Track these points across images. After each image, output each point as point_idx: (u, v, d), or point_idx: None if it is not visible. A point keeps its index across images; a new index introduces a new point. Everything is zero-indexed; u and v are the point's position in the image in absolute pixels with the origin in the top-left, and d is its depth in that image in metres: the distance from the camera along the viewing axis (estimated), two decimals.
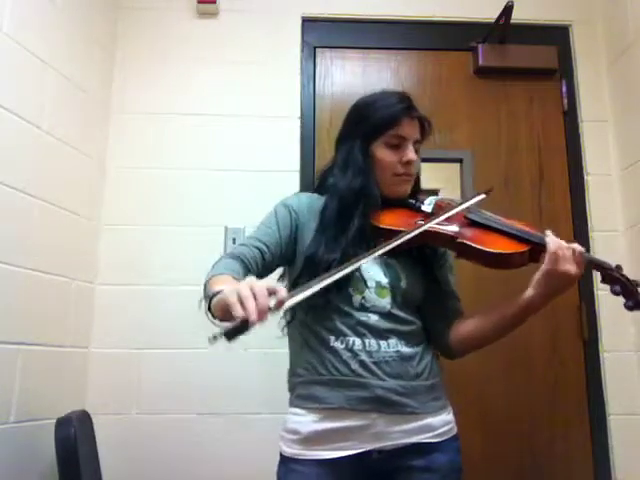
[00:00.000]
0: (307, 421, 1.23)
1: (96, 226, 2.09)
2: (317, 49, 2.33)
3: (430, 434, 1.23)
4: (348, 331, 1.23)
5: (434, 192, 1.41)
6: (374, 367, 1.21)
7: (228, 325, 0.89)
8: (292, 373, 1.33)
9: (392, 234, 1.20)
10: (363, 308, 1.25)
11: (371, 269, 1.27)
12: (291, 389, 1.32)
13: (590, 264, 1.23)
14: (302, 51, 2.30)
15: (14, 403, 1.57)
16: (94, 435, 1.79)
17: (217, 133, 2.21)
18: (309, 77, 2.29)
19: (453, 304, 1.38)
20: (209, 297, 1.05)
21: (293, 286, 1.25)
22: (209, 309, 1.07)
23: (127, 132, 2.19)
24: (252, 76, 2.26)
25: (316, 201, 1.35)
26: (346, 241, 1.24)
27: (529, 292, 1.19)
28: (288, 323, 1.13)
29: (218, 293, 1.01)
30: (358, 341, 1.23)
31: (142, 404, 1.99)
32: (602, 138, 2.25)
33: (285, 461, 1.25)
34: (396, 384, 1.21)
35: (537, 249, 1.21)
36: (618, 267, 1.23)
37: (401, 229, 1.23)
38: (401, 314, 1.27)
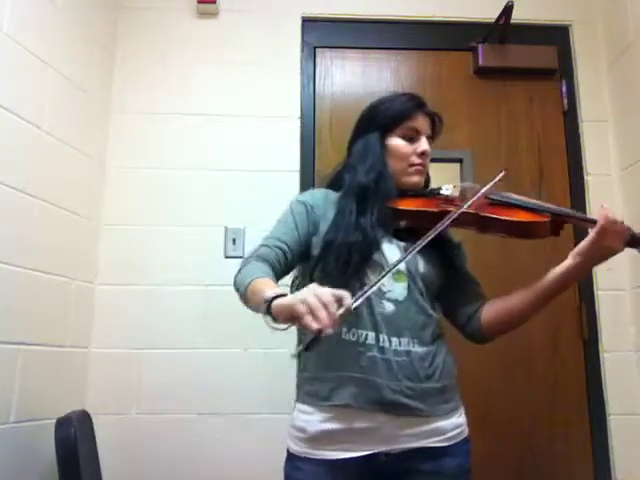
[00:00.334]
0: (314, 420, 1.21)
1: (96, 226, 2.09)
2: (317, 49, 2.33)
3: (440, 438, 1.21)
4: (362, 322, 1.21)
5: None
6: (384, 365, 1.19)
7: (306, 340, 0.95)
8: (301, 369, 1.32)
9: (413, 215, 1.27)
10: (380, 293, 1.22)
11: (389, 252, 1.26)
12: (299, 384, 1.31)
13: (633, 241, 1.23)
14: (302, 51, 2.30)
15: (14, 403, 1.57)
16: (94, 435, 1.80)
17: (217, 133, 2.21)
18: (309, 77, 2.29)
19: (477, 289, 1.38)
20: (267, 301, 1.04)
21: (311, 278, 1.25)
22: (268, 313, 1.05)
23: (127, 132, 2.19)
24: (252, 76, 2.26)
25: (331, 194, 1.36)
26: (366, 224, 1.24)
27: (569, 262, 1.21)
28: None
29: (275, 298, 1.03)
30: (371, 335, 1.21)
31: (142, 404, 1.99)
32: (602, 138, 2.26)
33: (292, 458, 1.24)
34: (405, 386, 1.19)
35: (558, 221, 1.26)
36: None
37: (422, 209, 1.28)
38: (419, 301, 1.25)
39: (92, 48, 2.09)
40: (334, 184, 1.41)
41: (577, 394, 2.08)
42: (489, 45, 2.30)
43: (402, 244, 1.28)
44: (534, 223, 1.26)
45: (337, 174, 1.43)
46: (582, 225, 1.30)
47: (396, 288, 1.24)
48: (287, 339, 2.02)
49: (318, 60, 2.32)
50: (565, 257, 1.23)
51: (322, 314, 0.92)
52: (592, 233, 1.18)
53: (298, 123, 2.23)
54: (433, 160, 2.32)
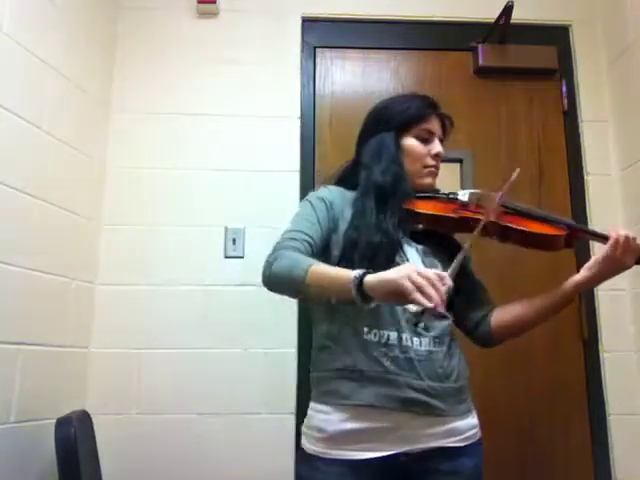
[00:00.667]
0: (334, 419, 1.20)
1: (96, 226, 2.09)
2: (317, 49, 2.33)
3: (456, 438, 1.23)
4: (383, 322, 1.21)
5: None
6: (406, 364, 1.20)
7: (417, 318, 1.07)
8: (316, 367, 1.30)
9: (433, 219, 1.30)
10: None
11: (410, 256, 1.28)
12: (315, 383, 1.29)
13: None
14: (302, 51, 2.30)
15: (14, 403, 1.57)
16: (94, 435, 1.79)
17: (217, 133, 2.21)
18: (309, 77, 2.29)
19: (485, 294, 1.42)
20: (359, 278, 1.05)
21: None
22: (360, 291, 1.05)
23: (127, 132, 2.19)
24: (252, 76, 2.26)
25: (347, 193, 1.36)
26: (387, 225, 1.25)
27: (583, 274, 1.28)
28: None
29: (365, 274, 1.05)
30: (393, 335, 1.21)
31: (142, 404, 1.99)
32: (602, 138, 2.25)
33: (308, 458, 1.22)
34: (426, 385, 1.20)
35: (572, 235, 1.32)
36: None
37: (443, 214, 1.30)
38: None
39: (92, 48, 2.09)
40: (344, 182, 1.40)
41: (577, 394, 2.08)
42: (489, 45, 2.30)
43: (420, 247, 1.31)
44: (554, 236, 1.30)
45: (347, 171, 1.43)
46: (594, 240, 1.36)
47: None
48: (287, 339, 2.04)
49: (318, 60, 2.32)
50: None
51: (431, 291, 0.97)
52: (606, 248, 1.25)
53: (298, 123, 2.23)
54: None
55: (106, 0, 2.20)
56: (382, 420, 1.19)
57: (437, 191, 1.40)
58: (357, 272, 1.07)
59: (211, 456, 1.96)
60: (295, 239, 1.23)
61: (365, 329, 1.22)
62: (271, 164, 2.19)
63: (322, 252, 1.29)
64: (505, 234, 1.31)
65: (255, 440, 1.97)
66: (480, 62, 2.29)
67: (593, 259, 1.28)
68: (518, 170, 1.33)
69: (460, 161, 2.24)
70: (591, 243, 2.14)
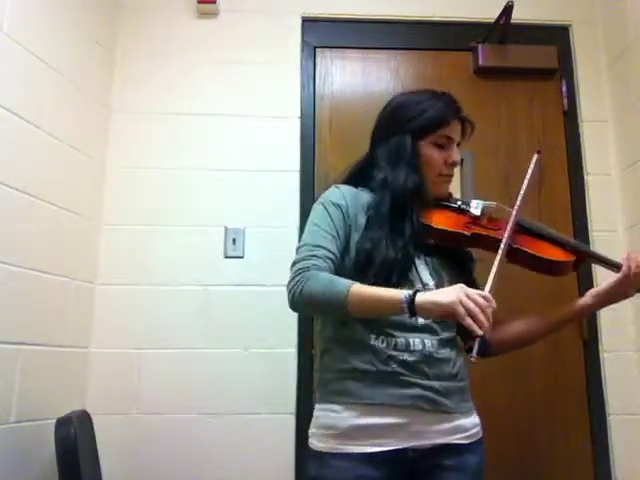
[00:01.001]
0: (345, 416, 1.21)
1: (96, 226, 2.09)
2: (317, 49, 2.33)
3: (462, 435, 1.24)
4: (391, 330, 1.21)
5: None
6: (414, 367, 1.21)
7: (471, 345, 1.08)
8: (323, 368, 1.30)
9: (445, 235, 1.27)
10: None
11: (421, 270, 1.28)
12: (322, 385, 1.29)
13: None
14: (302, 51, 2.30)
15: (14, 403, 1.57)
16: (94, 435, 1.80)
17: (217, 133, 2.21)
18: (309, 77, 2.29)
19: None
20: (410, 297, 1.09)
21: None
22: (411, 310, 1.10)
23: (127, 132, 2.19)
24: (252, 76, 2.26)
25: (361, 195, 1.32)
26: (402, 241, 1.23)
27: (587, 300, 1.32)
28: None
29: (415, 294, 1.09)
30: (401, 341, 1.21)
31: (142, 404, 1.99)
32: (602, 138, 2.26)
33: (319, 456, 1.22)
34: (435, 383, 1.21)
35: (580, 260, 1.31)
36: None
37: (455, 230, 1.27)
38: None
39: (92, 48, 2.09)
40: (357, 181, 1.37)
41: (577, 394, 2.08)
42: (489, 45, 2.30)
43: (429, 260, 1.30)
44: (563, 263, 1.29)
45: (360, 169, 1.39)
46: (605, 267, 1.33)
47: None
48: (287, 339, 2.04)
49: (318, 60, 2.32)
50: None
51: (482, 318, 1.03)
52: (615, 279, 1.27)
53: (298, 123, 2.23)
54: None
55: (106, 0, 2.20)
56: (392, 416, 1.19)
57: (450, 196, 1.37)
58: (406, 293, 1.10)
59: (211, 456, 1.96)
60: (317, 256, 1.20)
61: (372, 336, 1.22)
62: (271, 164, 2.19)
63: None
64: (515, 256, 1.27)
65: (255, 440, 1.97)
66: (480, 62, 2.29)
67: (599, 289, 1.31)
68: (538, 155, 1.31)
69: (460, 161, 2.23)
70: (590, 243, 2.15)
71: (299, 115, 2.24)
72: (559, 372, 2.10)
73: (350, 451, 1.18)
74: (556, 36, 2.36)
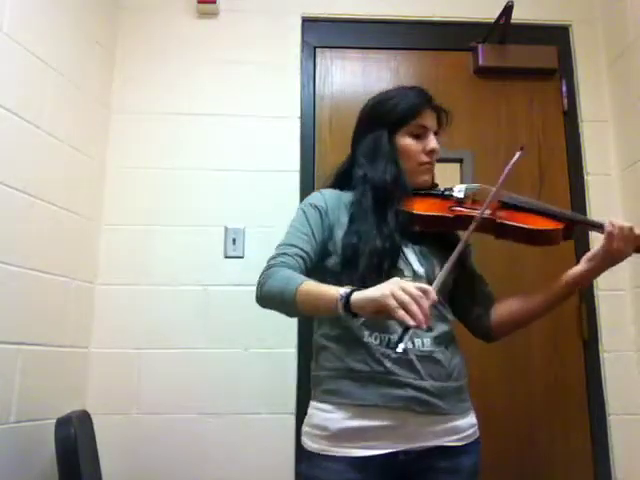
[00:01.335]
0: (337, 417, 1.20)
1: (96, 226, 2.09)
2: (317, 49, 2.33)
3: (457, 437, 1.23)
4: (384, 325, 1.21)
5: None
6: (408, 365, 1.20)
7: (400, 334, 1.02)
8: (318, 366, 1.30)
9: (429, 220, 1.28)
10: None
11: (410, 258, 1.27)
12: (316, 383, 1.29)
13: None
14: (302, 51, 2.30)
15: (14, 403, 1.57)
16: (94, 435, 1.80)
17: (217, 133, 2.21)
18: (309, 77, 2.29)
19: (486, 288, 1.40)
20: (345, 296, 1.06)
21: (337, 278, 1.24)
22: (347, 309, 1.07)
23: (127, 132, 2.19)
24: (252, 76, 2.26)
25: (343, 195, 1.34)
26: (388, 229, 1.24)
27: (581, 267, 1.26)
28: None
29: (352, 293, 1.06)
30: (394, 337, 1.20)
31: (142, 404, 1.99)
32: (602, 138, 2.26)
33: (310, 457, 1.22)
34: (429, 384, 1.20)
35: (570, 227, 1.28)
36: None
37: (438, 214, 1.28)
38: (439, 307, 1.26)
39: (92, 48, 2.09)
40: (341, 182, 1.39)
41: (577, 394, 2.08)
42: (489, 45, 2.30)
43: (417, 247, 1.30)
44: (552, 231, 1.27)
45: (343, 171, 1.41)
46: (591, 230, 1.33)
47: None
48: (287, 339, 2.04)
49: (318, 60, 2.32)
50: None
51: (414, 308, 0.98)
52: (603, 239, 1.22)
53: (298, 123, 2.23)
54: None
55: (106, 0, 2.20)
56: (385, 418, 1.19)
57: (435, 187, 1.39)
58: (343, 290, 1.08)
59: (211, 456, 1.96)
60: (287, 254, 1.24)
61: (366, 332, 1.22)
62: (271, 164, 2.19)
63: (321, 261, 1.29)
64: (502, 231, 1.28)
65: (255, 440, 1.97)
66: (480, 62, 2.29)
67: (592, 252, 1.26)
68: (521, 151, 1.27)
69: (460, 161, 2.24)
70: (590, 243, 2.15)
71: (299, 115, 2.24)
72: (559, 372, 2.10)
73: (341, 454, 1.18)
74: (556, 36, 2.36)
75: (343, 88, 2.31)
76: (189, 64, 2.26)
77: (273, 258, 1.25)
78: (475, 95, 2.30)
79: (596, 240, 1.76)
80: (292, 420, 1.98)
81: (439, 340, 1.25)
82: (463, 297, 1.38)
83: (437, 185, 1.41)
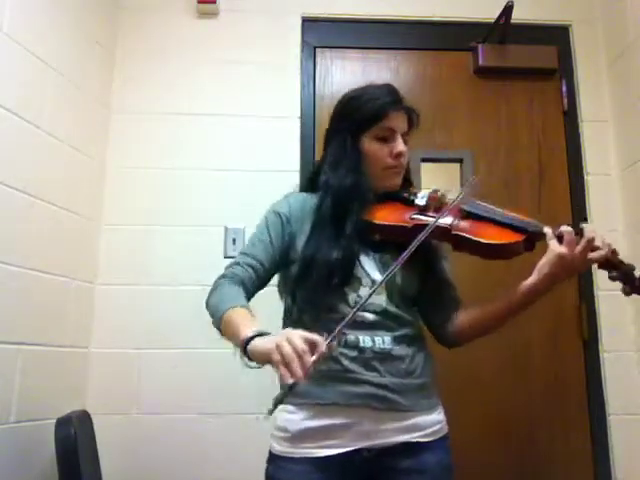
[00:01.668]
0: (297, 419, 1.22)
1: (96, 226, 2.09)
2: (317, 49, 2.33)
3: (419, 433, 1.22)
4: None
5: (434, 191, 1.40)
6: (366, 363, 1.20)
7: (280, 393, 1.00)
8: None
9: (387, 230, 1.25)
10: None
11: (368, 266, 1.26)
12: (282, 384, 1.28)
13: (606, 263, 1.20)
14: (302, 51, 2.30)
15: (14, 403, 1.58)
16: (94, 435, 1.80)
17: (217, 133, 2.21)
18: (309, 77, 2.29)
19: (451, 294, 1.36)
20: (245, 341, 1.08)
21: (293, 287, 1.26)
22: (244, 352, 1.10)
23: (127, 132, 2.19)
24: (252, 76, 2.26)
25: (309, 200, 1.33)
26: (345, 240, 1.23)
27: (533, 278, 1.19)
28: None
29: (252, 339, 1.07)
30: (351, 338, 1.21)
31: (142, 404, 1.99)
32: (602, 138, 2.26)
33: (274, 459, 1.24)
34: (388, 381, 1.20)
35: (532, 238, 1.21)
36: (614, 252, 1.19)
37: (396, 224, 1.25)
38: (399, 312, 1.25)
39: (92, 48, 2.09)
40: (313, 186, 1.36)
41: (577, 394, 2.08)
42: (489, 45, 2.30)
43: (377, 256, 1.28)
44: (509, 245, 1.19)
45: (313, 176, 1.38)
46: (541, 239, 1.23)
47: (375, 300, 1.23)
48: None
49: (318, 60, 2.32)
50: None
51: (295, 365, 0.94)
52: (549, 250, 1.17)
53: (298, 123, 2.23)
54: (433, 160, 2.32)
55: (106, 0, 2.20)
56: (343, 416, 1.19)
57: (407, 188, 1.34)
58: (247, 334, 1.08)
59: (211, 456, 1.96)
60: (239, 264, 1.26)
61: (325, 334, 1.21)
62: (271, 164, 2.19)
63: (284, 267, 1.29)
64: (457, 243, 1.23)
65: (255, 440, 1.97)
66: (480, 62, 2.29)
67: (540, 262, 1.18)
68: (475, 178, 1.28)
69: (460, 161, 2.23)
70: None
71: (299, 115, 2.24)
72: (559, 372, 2.10)
73: (302, 455, 1.19)
74: (556, 36, 2.36)
75: (343, 88, 2.25)
76: (189, 64, 2.26)
77: (228, 267, 1.27)
78: (475, 95, 2.30)
79: None
80: None
81: (400, 339, 1.24)
82: (429, 301, 1.35)
83: (412, 184, 1.38)
